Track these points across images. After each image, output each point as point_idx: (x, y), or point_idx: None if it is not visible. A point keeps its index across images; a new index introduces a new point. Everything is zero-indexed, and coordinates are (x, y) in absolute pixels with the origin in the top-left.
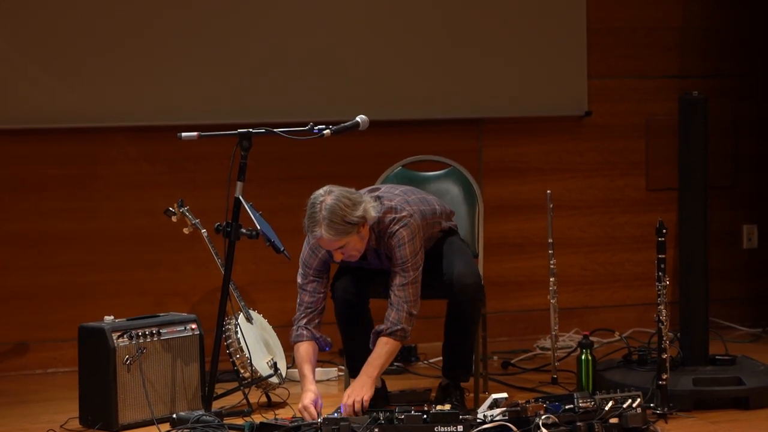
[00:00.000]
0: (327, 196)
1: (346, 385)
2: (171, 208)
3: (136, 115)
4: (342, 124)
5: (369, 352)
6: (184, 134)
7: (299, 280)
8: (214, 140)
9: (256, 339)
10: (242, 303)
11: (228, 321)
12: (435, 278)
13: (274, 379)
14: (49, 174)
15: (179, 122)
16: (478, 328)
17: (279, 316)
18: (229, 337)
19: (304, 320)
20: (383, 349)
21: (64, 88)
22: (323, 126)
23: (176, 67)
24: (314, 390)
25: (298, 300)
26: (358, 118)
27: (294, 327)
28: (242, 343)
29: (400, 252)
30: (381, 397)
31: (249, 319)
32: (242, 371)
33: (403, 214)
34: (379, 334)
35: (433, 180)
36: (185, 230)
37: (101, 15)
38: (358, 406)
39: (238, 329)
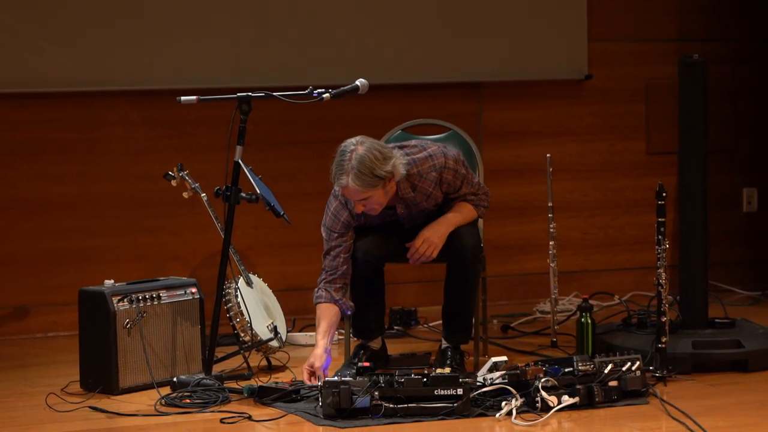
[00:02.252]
0: (359, 146)
1: (347, 349)
2: (170, 173)
3: (136, 79)
4: (341, 88)
5: (377, 314)
6: (183, 98)
7: (324, 246)
8: (214, 104)
9: (256, 303)
10: (242, 267)
11: (228, 285)
12: None
13: (274, 343)
14: (49, 138)
15: (179, 86)
16: (477, 291)
17: (279, 280)
18: (229, 301)
19: (324, 282)
20: (467, 209)
21: (64, 52)
22: (323, 90)
23: (176, 32)
24: (318, 355)
25: (322, 265)
26: (357, 82)
27: (315, 289)
28: (242, 307)
29: (458, 177)
30: (381, 357)
31: (249, 283)
32: (242, 335)
33: (440, 157)
34: (464, 199)
35: None
36: (185, 194)
37: None
38: (429, 252)
39: (238, 293)
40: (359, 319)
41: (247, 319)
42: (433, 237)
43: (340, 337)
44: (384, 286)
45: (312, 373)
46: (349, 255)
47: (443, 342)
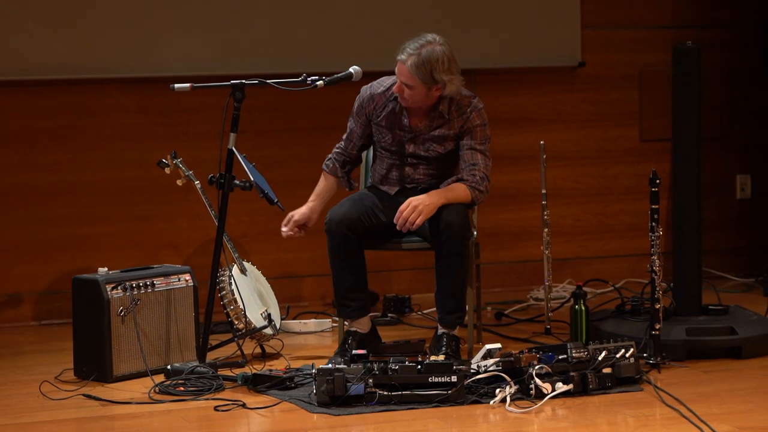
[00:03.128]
0: (438, 44)
1: (340, 336)
2: (164, 160)
3: (129, 67)
4: (335, 75)
5: (356, 292)
6: (176, 86)
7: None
8: (208, 92)
9: (250, 290)
10: (236, 254)
11: (222, 272)
12: (424, 228)
13: (268, 330)
14: (41, 126)
15: (172, 74)
16: (467, 270)
17: (273, 268)
18: (223, 288)
19: (335, 155)
20: (460, 189)
21: (56, 40)
22: (316, 77)
23: (169, 19)
24: (301, 210)
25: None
26: (351, 69)
27: (329, 155)
28: (236, 295)
29: (483, 131)
30: (371, 341)
31: (243, 271)
32: (236, 322)
33: (480, 102)
34: (460, 179)
35: None
36: (178, 182)
37: None
38: (414, 218)
39: (232, 281)
40: (339, 297)
41: (241, 306)
42: (420, 205)
43: (335, 324)
44: (363, 264)
45: (288, 222)
46: (359, 152)
47: (439, 328)
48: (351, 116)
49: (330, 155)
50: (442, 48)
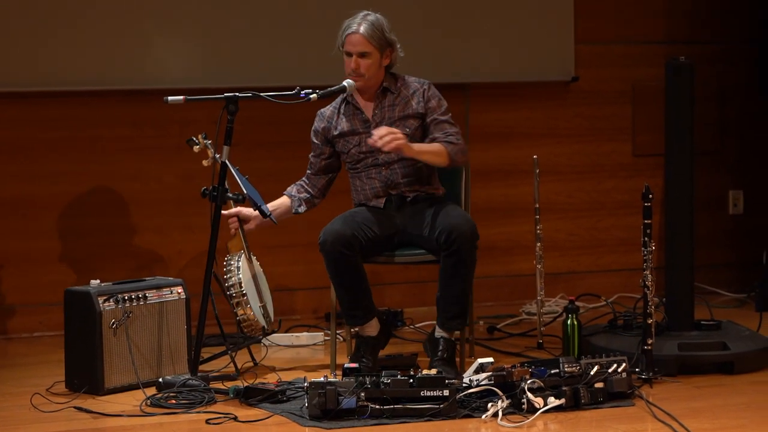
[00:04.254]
0: (373, 14)
1: (333, 349)
2: (194, 138)
3: (123, 79)
4: (329, 89)
5: (358, 301)
6: (170, 98)
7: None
8: (201, 104)
9: (251, 282)
10: (246, 243)
11: (230, 257)
12: (425, 238)
13: (262, 321)
14: (35, 138)
15: (166, 86)
16: (473, 276)
17: (269, 281)
18: (229, 272)
19: (301, 181)
20: (435, 144)
21: (52, 52)
22: (310, 90)
23: (163, 31)
24: (250, 212)
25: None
26: (344, 83)
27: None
28: (241, 281)
29: (440, 102)
30: (382, 340)
31: (250, 260)
32: (238, 310)
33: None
34: (435, 139)
35: None
36: (204, 162)
37: None
38: (392, 142)
39: (240, 264)
40: (344, 309)
41: (244, 292)
42: (400, 136)
43: (327, 338)
44: (363, 276)
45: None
46: (326, 178)
47: (437, 330)
48: (313, 146)
49: (295, 183)
50: (377, 15)
